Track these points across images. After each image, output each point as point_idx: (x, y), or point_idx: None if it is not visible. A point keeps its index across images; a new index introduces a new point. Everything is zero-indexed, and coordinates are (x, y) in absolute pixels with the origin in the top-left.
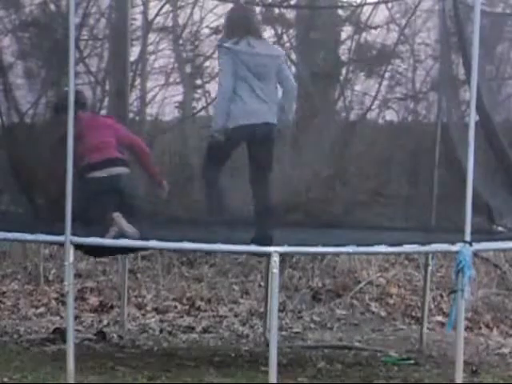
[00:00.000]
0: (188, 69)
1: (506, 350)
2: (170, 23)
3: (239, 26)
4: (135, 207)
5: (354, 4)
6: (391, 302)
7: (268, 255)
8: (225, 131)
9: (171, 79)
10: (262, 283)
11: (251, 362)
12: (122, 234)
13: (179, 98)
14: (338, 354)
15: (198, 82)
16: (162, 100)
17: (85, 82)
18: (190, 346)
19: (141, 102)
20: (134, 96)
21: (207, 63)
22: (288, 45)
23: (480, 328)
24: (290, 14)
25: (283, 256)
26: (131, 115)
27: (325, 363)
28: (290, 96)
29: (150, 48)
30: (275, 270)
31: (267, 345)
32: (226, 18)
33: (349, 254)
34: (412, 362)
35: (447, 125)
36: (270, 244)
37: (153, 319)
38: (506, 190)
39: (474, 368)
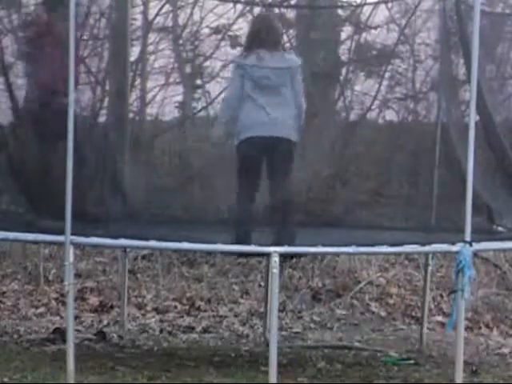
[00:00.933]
0: (188, 69)
1: (506, 350)
2: (170, 23)
3: (255, 38)
4: None
5: (354, 4)
6: (391, 301)
7: (268, 255)
8: (224, 137)
9: (171, 79)
10: (262, 283)
11: (251, 361)
12: None
13: (179, 97)
14: (337, 354)
15: (198, 81)
16: (162, 100)
17: (85, 82)
18: (190, 346)
19: (141, 102)
20: (133, 96)
21: (207, 63)
22: (288, 45)
23: (480, 328)
24: (290, 14)
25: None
26: (131, 115)
27: (325, 363)
28: (298, 112)
29: (150, 48)
30: (275, 270)
31: (267, 345)
32: (248, 27)
33: (349, 254)
34: (412, 362)
35: (447, 125)
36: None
37: (153, 319)
38: (506, 190)
39: (474, 368)
